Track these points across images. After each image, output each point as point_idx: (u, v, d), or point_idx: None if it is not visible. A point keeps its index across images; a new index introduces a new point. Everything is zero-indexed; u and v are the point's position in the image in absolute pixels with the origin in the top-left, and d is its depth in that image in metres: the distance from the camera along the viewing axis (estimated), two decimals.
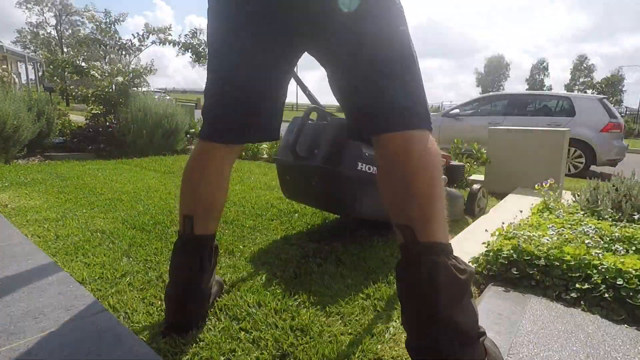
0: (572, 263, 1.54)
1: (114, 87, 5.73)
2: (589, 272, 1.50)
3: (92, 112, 5.75)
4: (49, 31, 39.27)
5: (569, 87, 52.31)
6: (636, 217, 2.10)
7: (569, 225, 2.02)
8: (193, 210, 1.22)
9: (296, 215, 2.52)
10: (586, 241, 1.69)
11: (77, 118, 7.57)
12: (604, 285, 1.43)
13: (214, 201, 1.25)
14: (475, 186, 2.70)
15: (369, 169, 1.83)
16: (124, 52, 6.09)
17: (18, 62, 20.85)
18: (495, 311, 1.38)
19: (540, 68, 57.84)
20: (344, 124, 1.38)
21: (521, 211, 2.40)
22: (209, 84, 1.20)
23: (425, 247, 0.92)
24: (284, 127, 1.55)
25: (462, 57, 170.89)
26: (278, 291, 1.50)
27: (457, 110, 7.58)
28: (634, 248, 1.74)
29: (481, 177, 3.91)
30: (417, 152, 0.95)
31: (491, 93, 8.46)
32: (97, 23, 6.32)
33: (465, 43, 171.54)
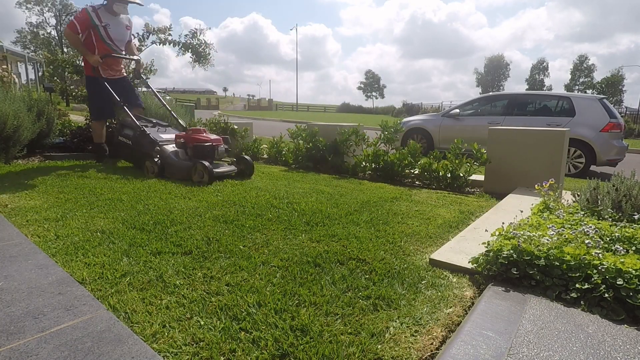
0: (572, 263, 1.55)
1: None
2: (589, 272, 1.50)
3: None
4: (49, 31, 39.26)
5: (569, 87, 52.28)
6: (636, 217, 2.09)
7: (569, 225, 2.02)
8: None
9: (296, 215, 2.52)
10: (586, 241, 1.69)
11: (77, 118, 7.57)
12: (604, 285, 1.43)
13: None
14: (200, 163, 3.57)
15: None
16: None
17: (18, 62, 20.85)
18: (495, 311, 1.38)
19: (540, 68, 57.83)
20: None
21: (521, 211, 2.40)
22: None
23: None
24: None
25: (458, 56, 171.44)
26: (278, 291, 1.50)
27: (457, 110, 7.58)
28: (634, 248, 1.74)
29: (481, 177, 3.91)
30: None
31: (491, 93, 8.46)
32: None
33: (460, 43, 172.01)
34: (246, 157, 4.01)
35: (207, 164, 3.49)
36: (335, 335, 1.24)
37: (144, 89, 6.07)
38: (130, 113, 4.16)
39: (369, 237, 2.15)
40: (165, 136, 4.12)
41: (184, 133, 3.91)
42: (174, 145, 3.96)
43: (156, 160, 3.80)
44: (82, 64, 4.44)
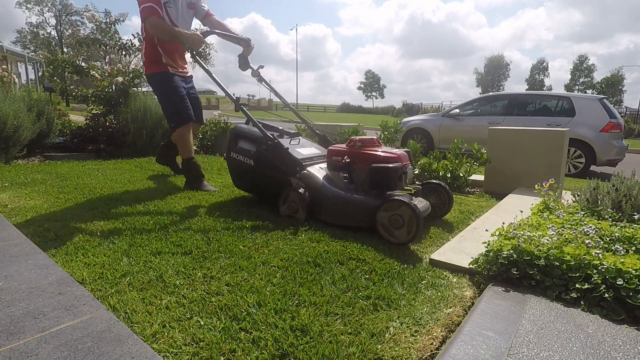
0: (572, 263, 1.55)
1: (114, 87, 5.73)
2: (589, 272, 1.50)
3: (92, 112, 5.74)
4: (49, 31, 39.31)
5: (569, 87, 52.37)
6: (636, 217, 2.10)
7: (569, 225, 2.02)
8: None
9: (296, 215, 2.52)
10: (586, 241, 1.69)
11: (77, 118, 7.57)
12: (604, 285, 1.43)
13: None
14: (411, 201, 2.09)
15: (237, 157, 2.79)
16: (124, 52, 6.09)
17: (18, 62, 20.86)
18: (495, 311, 1.38)
19: (540, 68, 57.89)
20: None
21: (521, 211, 2.40)
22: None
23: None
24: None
25: (457, 56, 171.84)
26: (278, 291, 1.50)
27: (457, 110, 7.58)
28: (634, 248, 1.74)
29: (481, 177, 3.91)
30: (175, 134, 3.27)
31: (491, 93, 8.46)
32: (97, 23, 6.31)
33: (460, 43, 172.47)
34: (440, 183, 2.56)
35: (412, 203, 2.01)
36: (335, 335, 1.24)
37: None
38: (251, 116, 2.84)
39: (369, 237, 2.15)
40: (304, 151, 2.65)
41: (343, 147, 2.45)
42: (322, 166, 2.55)
43: (301, 191, 2.36)
44: (143, 61, 3.24)
